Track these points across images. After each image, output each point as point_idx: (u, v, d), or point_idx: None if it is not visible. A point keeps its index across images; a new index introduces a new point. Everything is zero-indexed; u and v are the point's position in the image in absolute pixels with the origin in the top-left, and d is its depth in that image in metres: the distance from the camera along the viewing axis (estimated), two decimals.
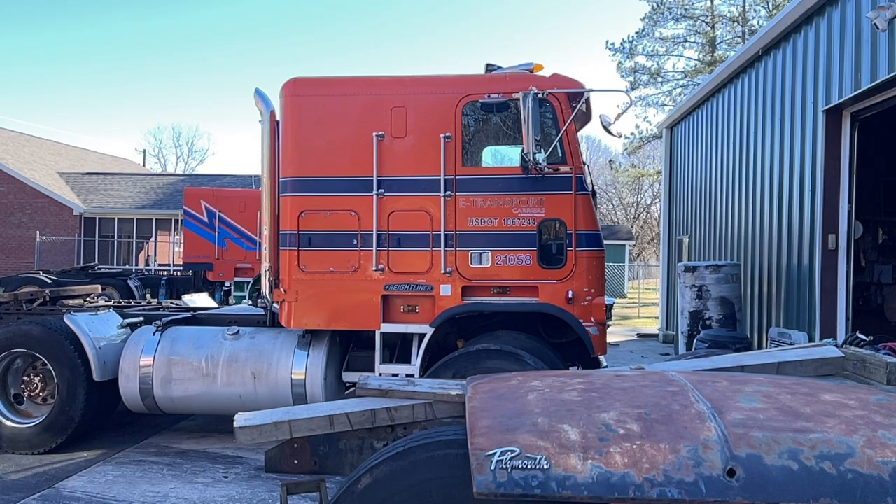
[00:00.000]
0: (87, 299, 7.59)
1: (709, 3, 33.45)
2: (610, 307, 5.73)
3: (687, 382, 2.52)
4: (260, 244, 16.48)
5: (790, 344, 8.13)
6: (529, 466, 2.03)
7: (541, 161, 5.35)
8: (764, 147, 9.46)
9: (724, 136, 11.35)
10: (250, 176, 27.87)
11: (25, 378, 6.16)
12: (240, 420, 2.96)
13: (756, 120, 9.81)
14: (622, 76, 35.51)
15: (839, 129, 7.76)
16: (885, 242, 10.39)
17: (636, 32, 34.27)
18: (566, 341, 5.86)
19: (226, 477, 5.42)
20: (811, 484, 1.98)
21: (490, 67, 6.02)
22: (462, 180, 5.67)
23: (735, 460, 2.03)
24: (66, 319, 6.02)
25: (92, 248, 26.74)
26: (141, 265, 26.93)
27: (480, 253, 5.64)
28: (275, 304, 6.04)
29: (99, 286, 7.95)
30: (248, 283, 16.71)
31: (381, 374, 5.80)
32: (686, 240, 14.08)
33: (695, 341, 8.64)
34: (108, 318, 6.43)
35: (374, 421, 2.97)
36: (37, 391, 6.14)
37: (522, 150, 5.34)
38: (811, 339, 7.74)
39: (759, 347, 8.79)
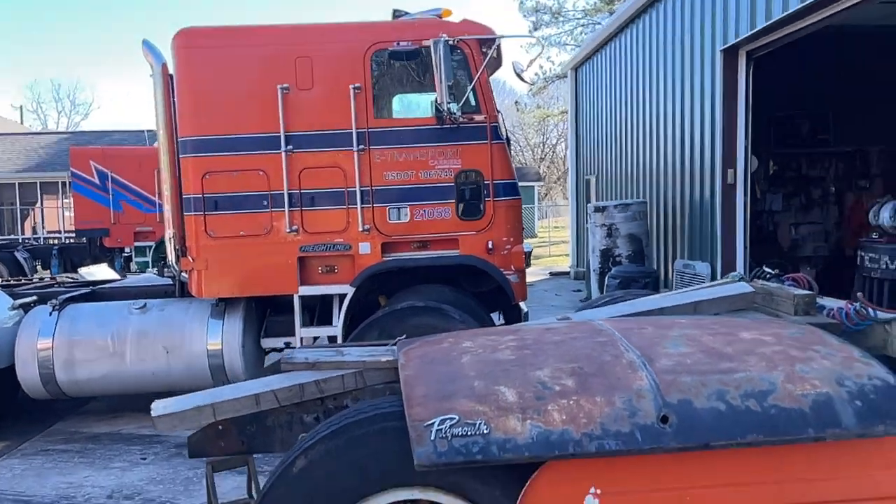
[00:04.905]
0: None
1: None
2: (529, 254, 5.79)
3: (615, 332, 2.56)
4: (160, 206, 15.62)
5: (694, 274, 8.57)
6: (469, 433, 2.00)
7: (455, 111, 5.24)
8: (667, 87, 9.71)
9: (627, 76, 11.57)
10: (143, 131, 26.15)
11: None
12: (157, 408, 2.78)
13: (658, 60, 10.03)
14: (524, 16, 35.51)
15: (735, 68, 8.04)
16: (775, 173, 11.03)
17: None
18: (486, 290, 5.90)
19: (143, 458, 5.18)
20: (739, 423, 2.06)
21: (397, 13, 5.78)
22: (375, 133, 5.48)
23: (667, 407, 2.08)
24: None
25: None
26: (28, 234, 25.01)
27: (398, 208, 5.52)
28: (183, 274, 5.72)
29: None
30: (151, 247, 15.73)
31: (302, 339, 5.67)
32: (593, 179, 14.45)
33: (606, 278, 8.96)
34: None
35: (303, 395, 2.86)
36: None
37: (436, 100, 5.20)
38: (713, 269, 8.19)
39: (667, 280, 9.22)
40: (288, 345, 5.90)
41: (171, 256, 5.94)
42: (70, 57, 78.59)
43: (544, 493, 2.07)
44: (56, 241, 17.80)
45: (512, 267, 5.54)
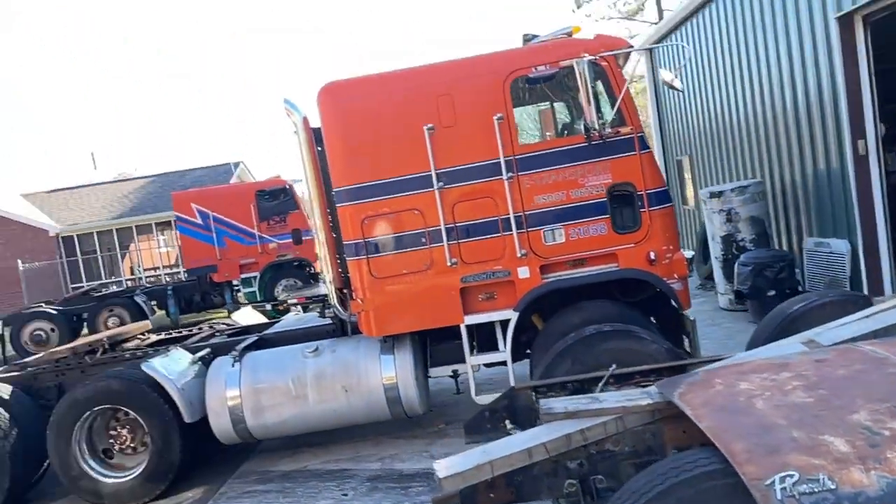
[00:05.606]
0: (141, 336, 7.44)
1: None
2: (690, 261, 5.76)
3: None
4: (261, 237, 16.24)
5: (830, 252, 8.31)
6: (816, 490, 2.05)
7: (602, 127, 5.26)
8: (774, 59, 9.38)
9: (722, 51, 11.25)
10: (227, 164, 27.21)
11: (112, 432, 6.06)
12: (442, 470, 2.96)
13: (760, 31, 9.70)
14: None
15: (853, 35, 7.74)
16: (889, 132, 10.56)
17: None
18: (643, 298, 5.91)
19: (345, 495, 5.45)
20: None
21: (527, 37, 5.84)
22: (522, 159, 5.56)
23: None
24: (143, 368, 5.88)
25: (76, 268, 26.12)
26: (127, 274, 26.39)
27: (553, 230, 5.59)
28: (352, 316, 5.97)
29: (149, 323, 7.76)
30: (255, 277, 16.50)
31: (472, 366, 5.83)
32: (686, 160, 14.14)
33: (736, 266, 8.79)
34: (179, 357, 6.30)
35: (570, 444, 2.98)
36: (126, 443, 6.06)
37: (584, 119, 5.24)
38: (853, 246, 7.91)
39: (801, 260, 8.95)
40: (455, 372, 6.09)
41: (332, 298, 6.20)
42: None
43: None
44: (168, 282, 18.64)
45: (675, 275, 5.54)
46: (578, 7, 34.12)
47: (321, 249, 6.21)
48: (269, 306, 13.86)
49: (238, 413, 5.94)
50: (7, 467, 5.94)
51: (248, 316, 8.09)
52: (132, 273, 26.65)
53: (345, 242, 5.85)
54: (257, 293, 16.47)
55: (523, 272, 5.66)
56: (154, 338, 7.63)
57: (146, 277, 25.22)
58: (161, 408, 5.82)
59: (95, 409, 5.91)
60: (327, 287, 6.26)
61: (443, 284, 5.69)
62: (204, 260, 16.27)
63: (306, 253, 16.84)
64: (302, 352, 6.09)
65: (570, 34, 5.69)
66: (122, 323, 15.81)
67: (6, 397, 6.25)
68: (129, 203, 27.24)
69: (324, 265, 6.25)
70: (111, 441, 6.08)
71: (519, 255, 5.60)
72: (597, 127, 5.21)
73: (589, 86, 5.08)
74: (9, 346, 15.39)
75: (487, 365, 5.99)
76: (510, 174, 5.55)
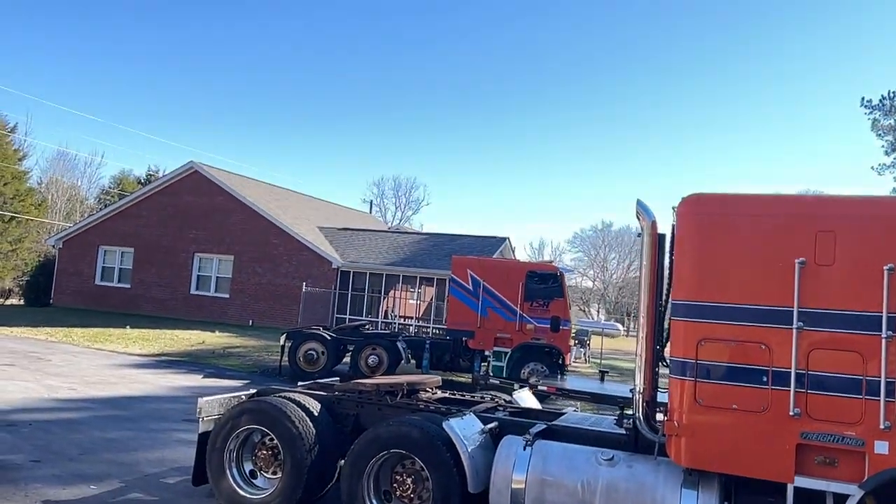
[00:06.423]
0: (430, 390, 7.81)
1: None
2: None
3: None
4: (521, 316, 16.56)
5: None
6: None
7: None
8: None
9: None
10: (495, 237, 28.61)
11: (398, 478, 6.32)
12: None
13: None
14: (878, 135, 31.74)
15: None
16: None
17: None
18: None
19: None
20: None
21: None
22: None
23: None
24: (444, 426, 6.09)
25: (345, 300, 29.04)
26: (381, 317, 28.63)
27: None
28: (662, 436, 5.62)
29: (439, 378, 8.15)
30: (506, 353, 16.78)
31: None
32: None
33: None
34: (472, 424, 6.43)
35: None
36: (407, 492, 6.27)
37: None
38: None
39: None
40: None
41: (637, 411, 5.90)
42: (407, 159, 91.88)
43: None
44: (427, 336, 19.79)
45: None
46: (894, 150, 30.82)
47: (638, 358, 5.98)
48: (517, 386, 13.91)
49: (520, 499, 5.84)
50: (304, 480, 6.49)
51: (527, 398, 8.09)
52: (386, 317, 28.96)
53: (671, 358, 5.56)
54: (504, 369, 16.71)
55: (881, 447, 4.85)
56: (440, 394, 7.96)
57: (398, 324, 27.17)
58: (450, 468, 5.95)
59: (392, 450, 6.23)
60: (634, 397, 5.99)
61: (777, 433, 5.10)
62: (465, 324, 16.99)
63: (560, 342, 16.79)
64: (596, 456, 5.84)
65: None
66: (381, 362, 17.07)
67: (316, 414, 6.89)
68: (402, 254, 29.85)
69: (637, 374, 6.00)
70: (394, 486, 6.35)
71: (882, 426, 4.82)
72: None
73: None
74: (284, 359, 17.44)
75: None
76: (891, 332, 4.85)
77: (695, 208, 5.57)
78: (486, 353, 17.02)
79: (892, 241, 4.94)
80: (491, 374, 16.79)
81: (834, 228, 5.11)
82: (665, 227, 6.00)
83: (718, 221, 5.48)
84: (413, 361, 17.65)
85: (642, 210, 6.00)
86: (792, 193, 5.40)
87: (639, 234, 6.07)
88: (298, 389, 7.66)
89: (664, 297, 6.03)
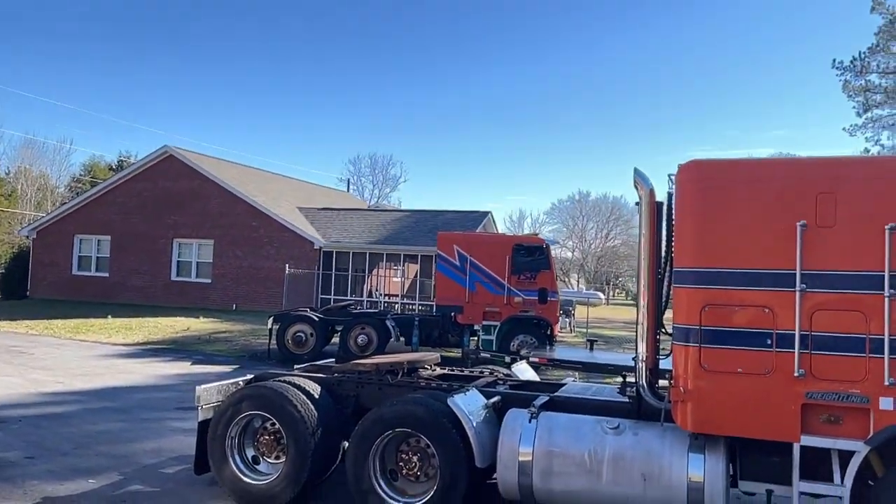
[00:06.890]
0: (429, 367, 7.77)
1: None
2: None
3: None
4: (509, 289, 16.56)
5: None
6: None
7: None
8: None
9: None
10: (477, 212, 28.51)
11: (404, 456, 6.30)
12: None
13: None
14: (849, 96, 32.17)
15: None
16: None
17: (868, 48, 30.78)
18: None
19: None
20: None
21: None
22: None
23: None
24: (448, 403, 6.06)
25: (329, 281, 28.85)
26: (365, 296, 28.54)
27: None
28: (667, 403, 5.64)
29: (438, 355, 8.10)
30: (495, 327, 16.81)
31: (799, 493, 5.16)
32: None
33: None
34: (475, 399, 6.41)
35: None
36: (414, 470, 6.25)
37: None
38: None
39: None
40: (770, 493, 5.45)
41: (641, 378, 5.91)
42: (383, 136, 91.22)
43: None
44: (416, 313, 19.75)
45: None
46: (865, 111, 31.24)
47: (639, 327, 5.97)
48: (507, 359, 13.95)
49: (527, 471, 5.85)
50: (308, 463, 6.43)
51: (525, 370, 8.09)
52: (370, 295, 28.87)
53: (675, 325, 5.56)
54: (494, 342, 16.76)
55: (886, 403, 4.91)
56: (439, 371, 7.93)
57: (384, 302, 27.11)
58: (457, 444, 5.93)
59: (397, 430, 6.20)
60: (637, 365, 6.00)
61: (783, 394, 5.14)
62: (453, 299, 16.96)
63: (548, 313, 16.85)
64: (601, 425, 5.86)
65: None
66: (370, 341, 17.02)
67: (316, 397, 6.82)
68: (385, 232, 29.66)
69: (638, 342, 6.00)
70: (400, 464, 6.32)
71: (887, 383, 4.88)
72: None
73: None
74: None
75: (812, 495, 5.27)
76: (894, 291, 4.89)
77: (694, 175, 5.53)
78: (476, 327, 17.03)
79: (893, 200, 4.96)
80: (480, 347, 16.87)
81: (834, 190, 5.12)
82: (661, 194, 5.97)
83: (718, 187, 5.45)
84: (402, 339, 17.61)
85: (640, 179, 5.95)
86: (791, 157, 5.34)
87: (637, 203, 6.03)
88: (297, 373, 7.57)
89: (663, 265, 6.02)
